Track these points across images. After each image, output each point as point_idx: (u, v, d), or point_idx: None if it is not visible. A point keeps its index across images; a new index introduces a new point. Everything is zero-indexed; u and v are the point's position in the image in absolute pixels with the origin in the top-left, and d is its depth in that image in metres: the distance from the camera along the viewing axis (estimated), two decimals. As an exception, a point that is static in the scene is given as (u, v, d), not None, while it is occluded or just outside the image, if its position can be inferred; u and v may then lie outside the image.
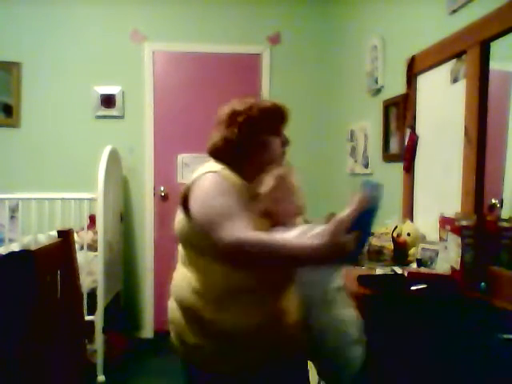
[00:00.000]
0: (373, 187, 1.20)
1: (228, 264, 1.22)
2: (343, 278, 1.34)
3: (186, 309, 1.37)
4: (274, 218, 1.32)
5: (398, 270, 1.81)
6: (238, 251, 1.15)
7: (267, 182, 1.31)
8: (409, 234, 2.07)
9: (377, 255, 2.06)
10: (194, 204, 1.27)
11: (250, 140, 1.38)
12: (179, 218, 1.38)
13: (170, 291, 1.48)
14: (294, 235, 1.20)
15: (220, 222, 1.18)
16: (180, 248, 1.43)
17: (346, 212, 1.09)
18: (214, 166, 1.35)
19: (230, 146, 1.38)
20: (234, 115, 1.39)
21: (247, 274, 1.29)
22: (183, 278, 1.39)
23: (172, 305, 1.44)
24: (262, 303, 1.32)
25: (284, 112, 1.43)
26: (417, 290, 1.54)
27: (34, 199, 2.81)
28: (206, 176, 1.30)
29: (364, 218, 1.13)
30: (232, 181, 1.31)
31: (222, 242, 1.15)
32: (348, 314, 1.31)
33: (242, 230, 1.16)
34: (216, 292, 1.32)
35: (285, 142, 1.45)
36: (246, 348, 1.31)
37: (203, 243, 1.26)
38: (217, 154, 1.40)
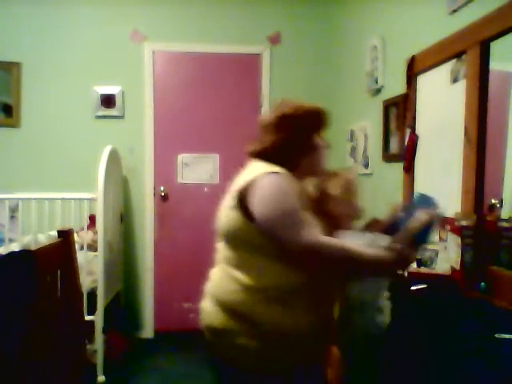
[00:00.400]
0: (431, 202, 1.28)
1: (300, 264, 1.28)
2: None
3: (233, 310, 1.33)
4: (334, 220, 1.38)
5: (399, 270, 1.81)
6: (317, 253, 1.24)
7: (335, 185, 1.37)
8: (409, 234, 2.07)
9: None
10: (260, 204, 1.27)
11: (301, 143, 1.41)
12: (230, 217, 1.35)
13: (206, 293, 1.44)
14: (363, 244, 1.28)
15: (297, 223, 1.24)
16: (224, 248, 1.40)
17: (410, 226, 1.24)
18: (271, 167, 1.34)
19: (281, 149, 1.39)
20: (284, 118, 1.41)
21: (306, 274, 1.31)
22: (229, 278, 1.35)
23: (211, 307, 1.39)
24: (316, 303, 1.34)
25: (327, 115, 1.46)
26: (417, 289, 1.54)
27: (34, 199, 2.80)
28: (269, 176, 1.30)
29: (424, 232, 1.23)
30: (294, 182, 1.32)
31: (303, 243, 1.23)
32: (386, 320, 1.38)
33: (319, 232, 1.25)
34: (275, 292, 1.30)
35: (327, 145, 1.47)
36: (295, 348, 1.33)
37: (265, 242, 1.29)
38: (267, 157, 1.39)
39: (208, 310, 1.40)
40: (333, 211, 1.38)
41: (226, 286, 1.35)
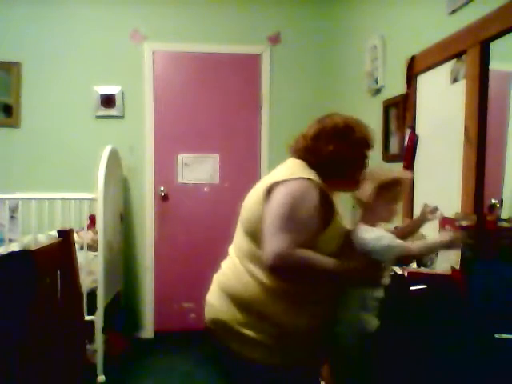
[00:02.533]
0: None
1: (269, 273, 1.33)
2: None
3: (245, 304, 1.38)
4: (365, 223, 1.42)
5: (398, 270, 1.81)
6: (280, 265, 1.28)
7: (366, 189, 1.39)
8: (409, 234, 2.07)
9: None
10: (273, 204, 1.31)
11: (359, 156, 1.45)
12: (254, 211, 1.38)
13: (215, 285, 1.49)
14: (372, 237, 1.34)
15: (287, 231, 1.27)
16: (245, 242, 1.42)
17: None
18: (306, 171, 1.38)
19: (338, 159, 1.41)
20: (348, 130, 1.43)
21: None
22: (246, 272, 1.39)
23: (221, 300, 1.43)
24: (322, 304, 1.40)
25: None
26: (417, 289, 1.54)
27: (34, 199, 2.80)
28: (298, 182, 1.33)
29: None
30: (320, 191, 1.34)
31: (268, 254, 1.27)
32: (373, 323, 1.40)
33: (290, 245, 1.27)
34: (289, 291, 1.35)
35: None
36: (300, 344, 1.39)
37: None
38: (319, 165, 1.41)
39: (217, 303, 1.43)
40: (364, 215, 1.43)
41: (242, 280, 1.38)
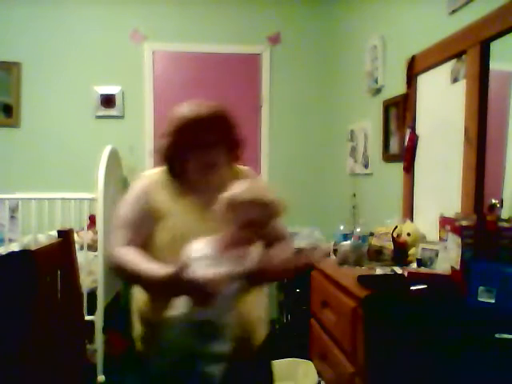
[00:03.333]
0: None
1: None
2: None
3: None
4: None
5: (398, 270, 1.81)
6: (109, 263, 1.39)
7: (219, 206, 1.21)
8: (409, 234, 2.07)
9: (377, 255, 2.06)
10: None
11: (170, 148, 1.46)
12: None
13: None
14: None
15: (114, 231, 1.37)
16: None
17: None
18: (151, 170, 1.53)
19: (163, 152, 1.48)
20: (168, 123, 1.50)
21: None
22: None
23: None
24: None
25: (184, 123, 1.42)
26: (417, 290, 1.54)
27: (34, 199, 2.80)
28: (134, 182, 1.50)
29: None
30: (145, 190, 1.42)
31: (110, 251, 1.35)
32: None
33: (117, 243, 1.33)
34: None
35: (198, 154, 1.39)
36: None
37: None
38: (161, 159, 1.50)
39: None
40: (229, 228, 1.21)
41: None
